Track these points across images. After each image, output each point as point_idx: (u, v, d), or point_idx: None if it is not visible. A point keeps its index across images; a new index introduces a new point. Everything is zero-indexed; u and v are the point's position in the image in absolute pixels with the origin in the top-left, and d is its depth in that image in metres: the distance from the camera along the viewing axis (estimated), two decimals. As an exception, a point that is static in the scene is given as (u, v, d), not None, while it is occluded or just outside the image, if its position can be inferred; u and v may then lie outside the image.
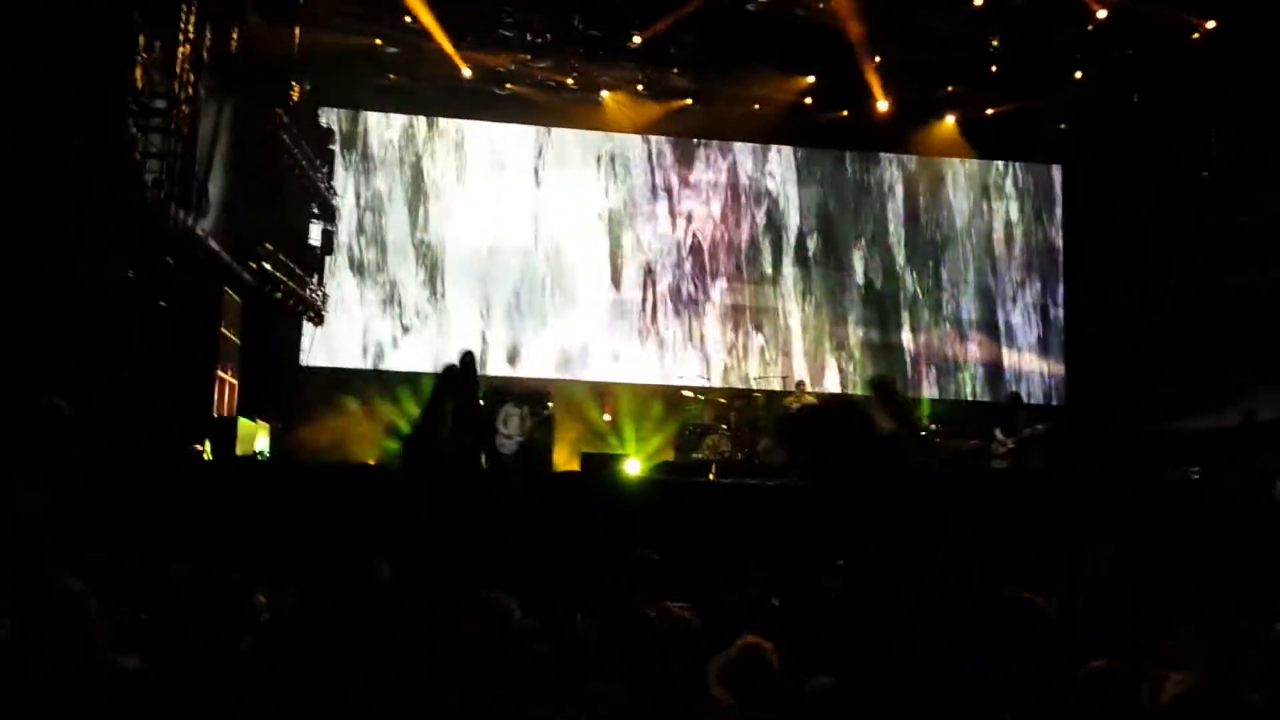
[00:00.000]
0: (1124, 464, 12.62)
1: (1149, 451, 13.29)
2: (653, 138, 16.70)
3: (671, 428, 14.92)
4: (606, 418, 15.40)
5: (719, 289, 16.62)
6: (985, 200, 17.41)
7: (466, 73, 14.79)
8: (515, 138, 16.38)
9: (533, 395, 13.37)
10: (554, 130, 16.45)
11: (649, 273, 16.43)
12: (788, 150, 17.02)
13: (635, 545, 5.81)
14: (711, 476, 12.11)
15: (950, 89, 15.40)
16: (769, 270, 16.79)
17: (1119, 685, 3.16)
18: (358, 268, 15.81)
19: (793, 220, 16.97)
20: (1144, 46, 13.63)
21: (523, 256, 16.14)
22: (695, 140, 16.80)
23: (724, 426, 13.99)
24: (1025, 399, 15.33)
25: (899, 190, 17.25)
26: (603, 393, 15.43)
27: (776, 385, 15.19)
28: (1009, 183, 17.51)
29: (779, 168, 17.00)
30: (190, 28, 10.66)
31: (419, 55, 14.47)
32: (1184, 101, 14.41)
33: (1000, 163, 17.41)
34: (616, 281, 16.38)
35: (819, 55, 14.55)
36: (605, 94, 15.71)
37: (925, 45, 13.99)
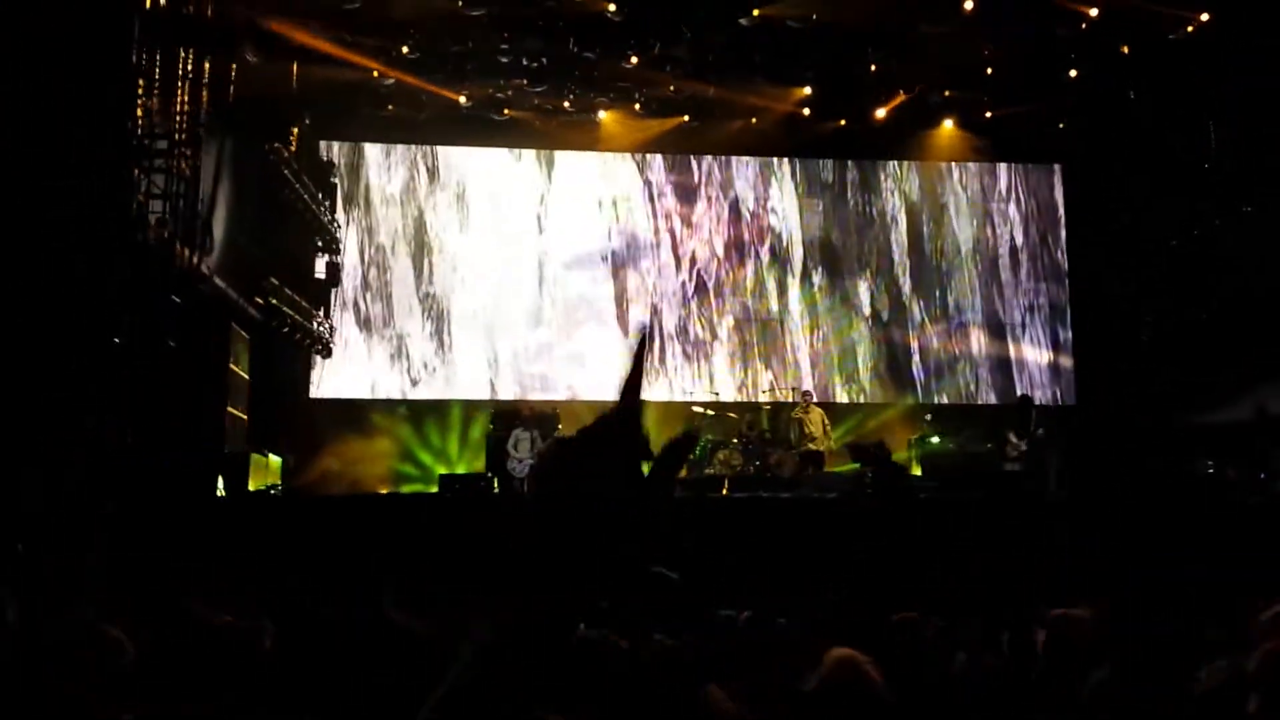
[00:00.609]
0: (1138, 461, 12.56)
1: (1162, 448, 13.24)
2: (654, 178, 16.74)
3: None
4: None
5: (725, 328, 16.62)
6: (986, 206, 17.40)
7: (463, 100, 14.85)
8: (517, 184, 16.40)
9: (542, 418, 13.41)
10: (555, 175, 16.49)
11: (655, 314, 16.39)
12: (789, 184, 17.01)
13: (651, 564, 5.80)
14: (724, 491, 12.11)
15: (946, 94, 15.39)
16: (775, 307, 16.76)
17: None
18: (364, 323, 15.74)
19: (797, 254, 16.93)
20: (1138, 42, 13.61)
21: (528, 304, 16.10)
22: (696, 179, 16.81)
23: (735, 441, 13.98)
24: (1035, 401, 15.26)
25: (901, 220, 17.19)
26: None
27: (785, 398, 15.16)
28: (1008, 186, 17.50)
29: (780, 203, 16.97)
30: (189, 68, 10.75)
31: (416, 86, 14.53)
32: (1181, 95, 14.39)
33: (1002, 165, 17.39)
34: (623, 325, 16.33)
35: (815, 66, 14.57)
36: (603, 114, 15.74)
37: (919, 51, 13.99)
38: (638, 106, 15.48)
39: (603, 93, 15.18)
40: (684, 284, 16.63)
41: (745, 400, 15.86)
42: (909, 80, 14.95)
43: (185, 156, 10.49)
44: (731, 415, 14.55)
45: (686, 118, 15.85)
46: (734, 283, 16.70)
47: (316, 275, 14.60)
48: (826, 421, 13.76)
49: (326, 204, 14.61)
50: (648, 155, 16.79)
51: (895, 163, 17.27)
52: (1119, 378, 15.52)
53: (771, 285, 16.79)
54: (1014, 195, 17.54)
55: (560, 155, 16.59)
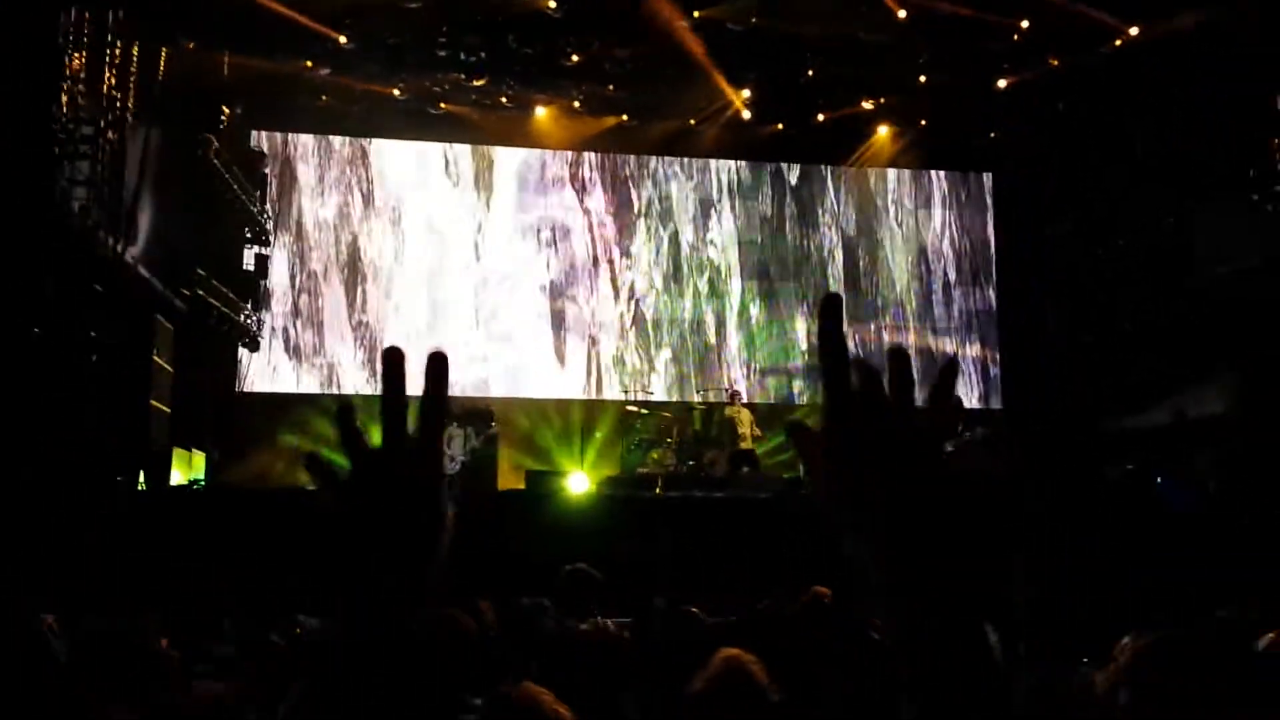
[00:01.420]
0: (1063, 463, 12.83)
1: (1086, 450, 13.53)
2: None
3: (617, 443, 14.93)
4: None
5: (663, 360, 16.65)
6: (918, 212, 17.66)
7: (397, 93, 14.71)
8: (454, 211, 16.17)
9: (476, 414, 13.29)
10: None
11: (593, 344, 16.33)
12: (729, 219, 17.02)
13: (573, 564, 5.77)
14: (658, 490, 12.12)
15: (882, 100, 15.57)
16: (713, 339, 16.82)
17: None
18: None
19: (735, 288, 17.01)
20: (1067, 54, 13.88)
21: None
22: (636, 213, 16.74)
23: (669, 440, 14.01)
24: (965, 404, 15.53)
25: (839, 255, 17.31)
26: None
27: (717, 398, 15.23)
28: (941, 193, 17.78)
29: (719, 236, 16.96)
30: (117, 53, 10.52)
31: (349, 77, 14.36)
32: (1109, 106, 14.72)
33: (934, 172, 17.66)
34: (560, 357, 16.29)
35: (754, 70, 14.66)
36: (540, 111, 15.67)
37: (856, 58, 14.13)
38: (576, 104, 15.44)
39: (541, 89, 15.12)
40: (620, 315, 16.58)
41: (679, 400, 15.90)
42: (845, 87, 15.10)
43: (111, 143, 10.27)
44: (665, 415, 14.56)
45: (625, 117, 15.86)
46: (671, 316, 16.71)
47: (245, 267, 14.34)
48: (753, 421, 13.89)
49: (256, 195, 14.36)
50: (583, 154, 16.77)
51: (829, 166, 17.44)
52: (1044, 382, 15.84)
53: (710, 320, 16.87)
54: (946, 203, 17.81)
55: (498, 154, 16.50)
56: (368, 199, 15.98)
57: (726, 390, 15.25)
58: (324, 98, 14.97)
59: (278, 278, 15.37)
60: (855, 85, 15.09)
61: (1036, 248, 16.59)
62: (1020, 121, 15.78)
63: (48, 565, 6.18)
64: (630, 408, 14.83)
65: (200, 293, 12.21)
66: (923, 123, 16.01)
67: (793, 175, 17.36)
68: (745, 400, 14.45)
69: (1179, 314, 13.45)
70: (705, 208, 17.03)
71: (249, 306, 14.18)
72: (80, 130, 9.81)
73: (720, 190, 17.16)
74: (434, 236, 16.04)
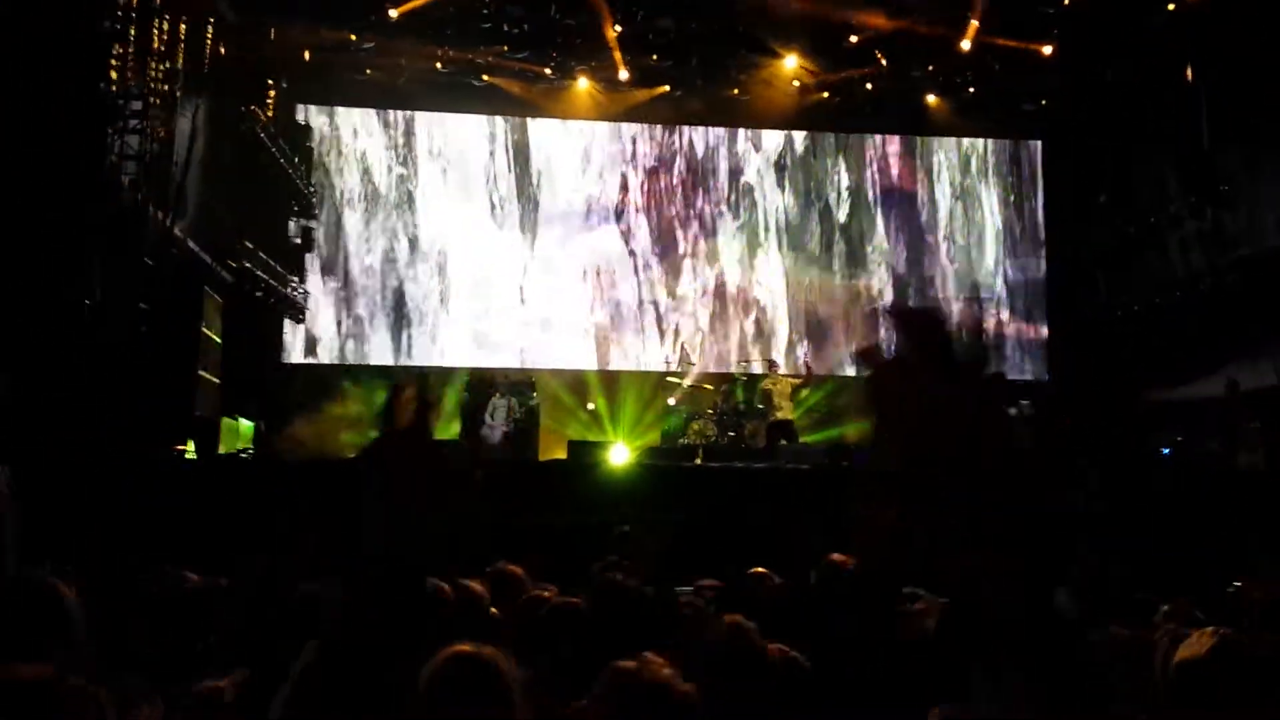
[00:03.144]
0: (1110, 436, 12.68)
1: (1133, 423, 13.36)
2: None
3: (658, 414, 14.99)
4: (590, 406, 15.49)
5: (697, 299, 16.66)
6: (966, 181, 17.45)
7: (439, 66, 14.75)
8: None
9: (518, 385, 13.40)
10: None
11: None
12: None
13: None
14: (698, 461, 12.16)
15: (930, 68, 15.36)
16: (749, 280, 16.81)
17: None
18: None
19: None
20: (1118, 21, 13.60)
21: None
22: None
23: (710, 411, 14.02)
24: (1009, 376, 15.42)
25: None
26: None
27: (758, 369, 15.19)
28: (990, 161, 17.53)
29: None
30: (165, 28, 10.64)
31: (394, 50, 14.43)
32: (1160, 74, 14.42)
33: (983, 140, 17.41)
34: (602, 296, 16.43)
35: (799, 39, 14.51)
36: (583, 82, 15.64)
37: (902, 25, 13.94)
38: (621, 75, 15.40)
39: (583, 61, 15.09)
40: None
41: (720, 372, 15.89)
42: (892, 55, 14.90)
43: (160, 118, 10.41)
44: (707, 387, 14.57)
45: (668, 87, 15.79)
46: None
47: (291, 239, 14.50)
48: (796, 387, 13.83)
49: (302, 168, 14.50)
50: (627, 125, 16.72)
51: (876, 138, 17.26)
52: (1092, 353, 15.64)
53: (746, 259, 16.79)
54: (995, 171, 17.57)
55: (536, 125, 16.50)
56: (414, 242, 16.00)
57: (766, 361, 15.24)
58: (368, 71, 15.07)
59: (324, 322, 15.59)
60: (903, 52, 14.88)
61: (1086, 216, 16.33)
62: (1071, 88, 15.50)
63: (96, 532, 6.33)
64: (671, 379, 14.87)
65: (247, 265, 12.38)
66: (970, 90, 15.76)
67: (841, 212, 17.11)
68: (783, 370, 14.40)
69: (1231, 283, 13.20)
70: (752, 248, 16.83)
71: (295, 278, 14.35)
72: (130, 106, 9.96)
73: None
74: (480, 277, 16.01)
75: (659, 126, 16.82)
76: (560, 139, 16.55)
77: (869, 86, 15.67)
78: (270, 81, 14.00)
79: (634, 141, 16.78)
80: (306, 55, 14.24)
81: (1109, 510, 8.22)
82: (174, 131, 10.93)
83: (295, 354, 15.29)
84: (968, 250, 17.27)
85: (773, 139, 17.07)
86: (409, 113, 16.15)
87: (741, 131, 17.00)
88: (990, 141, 17.47)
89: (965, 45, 14.21)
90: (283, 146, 13.54)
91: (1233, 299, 13.06)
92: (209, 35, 12.06)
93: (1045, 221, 17.38)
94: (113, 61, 9.51)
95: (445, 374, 15.23)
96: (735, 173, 16.95)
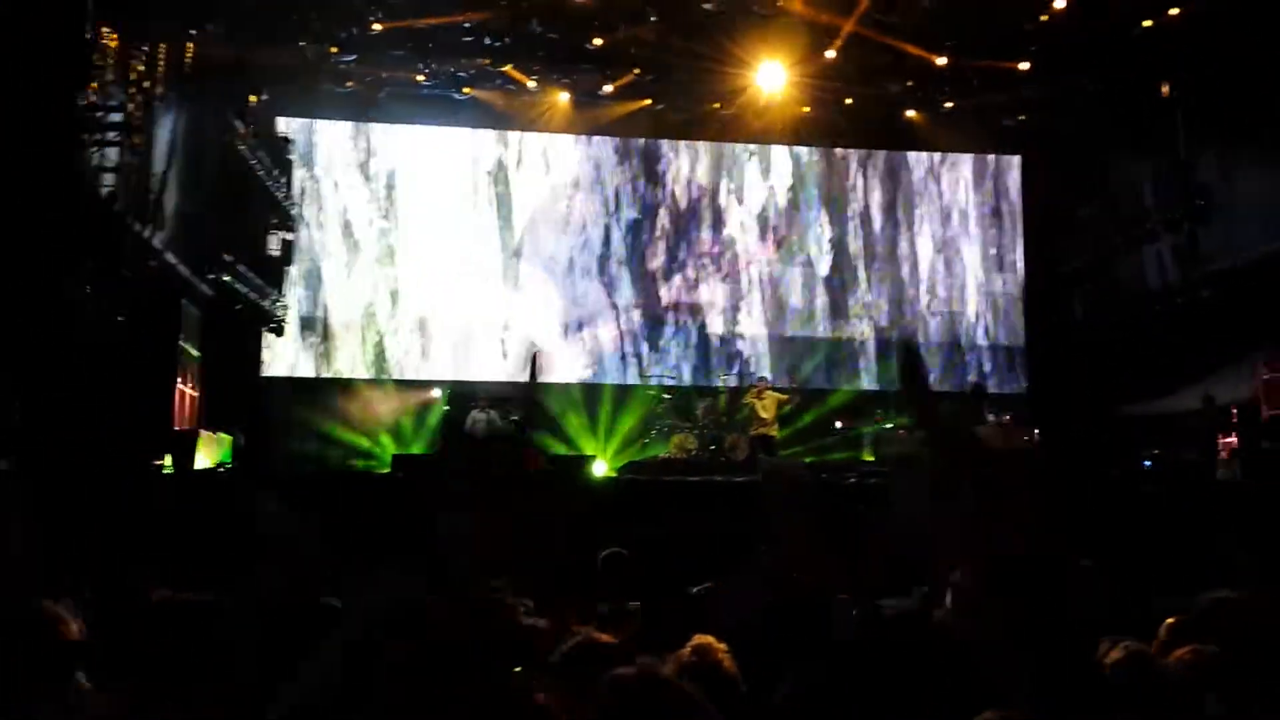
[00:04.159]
0: (1088, 449, 12.76)
1: (1110, 436, 13.44)
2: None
3: (639, 428, 14.99)
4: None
5: (685, 309, 16.70)
6: (945, 196, 17.55)
7: (421, 79, 14.75)
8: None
9: (499, 400, 13.39)
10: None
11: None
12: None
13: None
14: (679, 475, 12.15)
15: (908, 84, 15.44)
16: (731, 291, 16.87)
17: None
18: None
19: (753, 239, 16.99)
20: (1093, 36, 13.69)
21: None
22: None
23: (690, 425, 14.02)
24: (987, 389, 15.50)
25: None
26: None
27: (734, 383, 15.22)
28: (968, 176, 17.63)
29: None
30: (144, 40, 10.60)
31: (375, 64, 14.41)
32: (1139, 90, 14.53)
33: (962, 155, 17.51)
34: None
35: (779, 54, 14.55)
36: (565, 96, 15.65)
37: (882, 40, 14.00)
38: (607, 88, 15.41)
39: (564, 74, 15.10)
40: (638, 307, 16.51)
41: (703, 385, 15.89)
42: (870, 69, 14.97)
43: (138, 129, 10.36)
44: (688, 400, 14.60)
45: (649, 101, 15.82)
46: (692, 308, 16.63)
47: (270, 252, 14.43)
48: (780, 403, 13.81)
49: (283, 180, 14.44)
50: (610, 139, 16.75)
51: (854, 152, 17.35)
52: (1070, 366, 15.73)
53: (729, 312, 16.77)
54: (973, 185, 17.67)
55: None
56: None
57: (754, 375, 15.26)
58: (349, 84, 15.04)
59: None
60: (882, 68, 14.95)
61: (1064, 230, 16.44)
62: (1048, 103, 15.61)
63: (74, 548, 6.27)
64: (652, 392, 14.88)
65: (226, 278, 12.32)
66: (948, 105, 15.85)
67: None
68: (770, 384, 14.39)
69: (1207, 296, 13.30)
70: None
71: (275, 291, 14.29)
72: (108, 116, 9.91)
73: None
74: (460, 338, 15.86)
75: (642, 180, 16.81)
76: (544, 192, 16.49)
77: (848, 101, 15.75)
78: (250, 94, 13.95)
79: (617, 194, 16.72)
80: (287, 68, 14.19)
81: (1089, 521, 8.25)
82: (152, 143, 10.88)
83: (275, 367, 15.20)
84: (949, 303, 17.30)
85: (756, 193, 17.08)
86: (390, 167, 16.04)
87: (724, 184, 17.01)
88: (974, 194, 17.55)
89: (942, 61, 14.31)
90: (262, 159, 13.48)
91: (1209, 312, 13.16)
92: (189, 47, 12.01)
93: (1024, 235, 17.47)
94: (91, 73, 9.46)
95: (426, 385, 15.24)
96: (717, 225, 16.92)
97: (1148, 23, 13.05)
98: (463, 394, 13.91)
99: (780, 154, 17.22)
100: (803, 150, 17.25)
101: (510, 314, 16.07)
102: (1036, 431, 13.02)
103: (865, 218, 17.34)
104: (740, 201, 17.07)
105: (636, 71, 15.04)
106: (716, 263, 16.83)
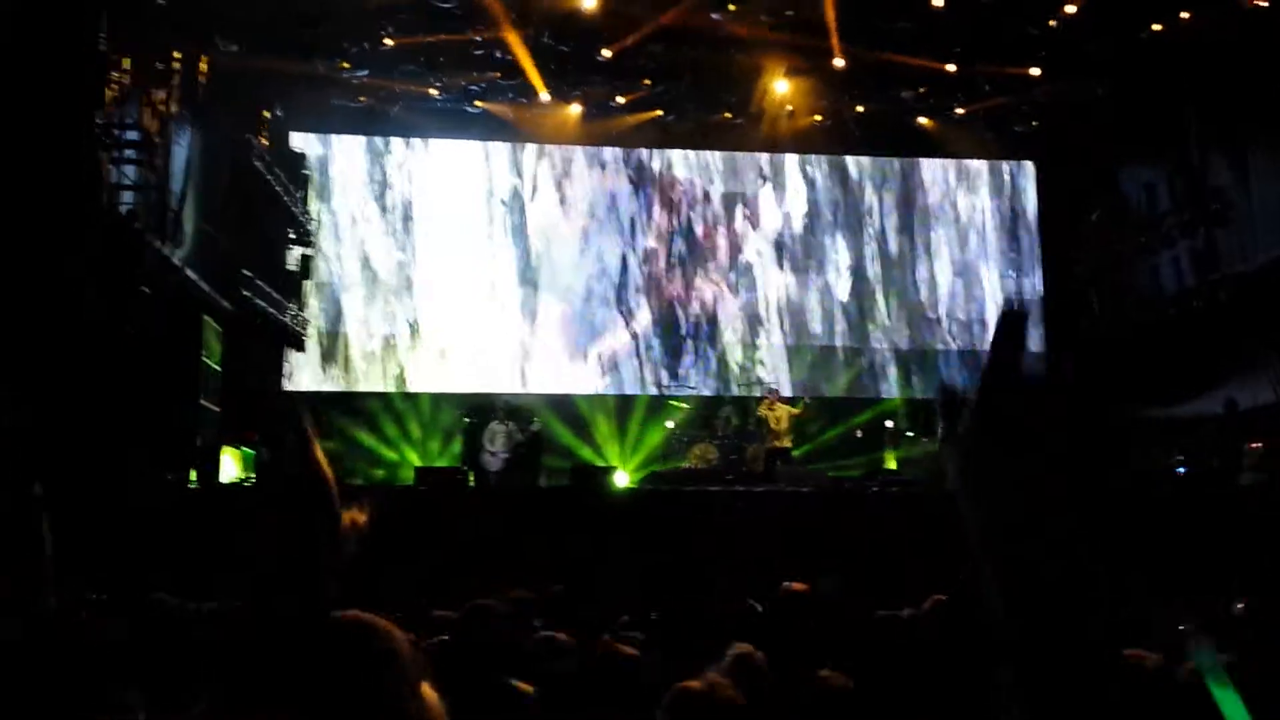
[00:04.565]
0: (1111, 453, 12.68)
1: (1134, 440, 13.38)
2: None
3: (659, 438, 14.99)
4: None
5: (701, 321, 16.66)
6: (961, 201, 17.53)
7: (434, 93, 14.82)
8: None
9: (518, 411, 13.39)
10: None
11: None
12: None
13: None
14: (699, 485, 12.15)
15: (921, 90, 15.44)
16: (748, 302, 16.85)
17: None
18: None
19: (769, 249, 16.94)
20: (1107, 41, 13.68)
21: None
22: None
23: (710, 436, 14.02)
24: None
25: (875, 215, 17.15)
26: None
27: (758, 393, 15.18)
28: (983, 182, 17.62)
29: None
30: (161, 59, 10.68)
31: (387, 77, 14.49)
32: (1152, 94, 14.51)
33: (976, 162, 17.50)
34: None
35: (788, 63, 14.58)
36: (576, 108, 15.70)
37: (891, 48, 14.01)
38: (619, 100, 15.45)
39: (576, 86, 15.16)
40: (657, 335, 16.47)
41: (722, 395, 15.88)
42: (882, 77, 14.99)
43: (156, 147, 10.43)
44: (709, 410, 14.61)
45: (660, 112, 15.85)
46: (710, 335, 16.57)
47: (288, 267, 14.50)
48: (793, 416, 13.80)
49: (299, 195, 14.51)
50: (624, 166, 16.79)
51: (869, 159, 17.34)
52: (1088, 371, 15.66)
53: (748, 337, 16.70)
54: (989, 191, 17.66)
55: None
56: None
57: (766, 387, 15.25)
58: (361, 99, 15.11)
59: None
60: (893, 75, 14.97)
61: (1080, 235, 16.40)
62: (1061, 109, 15.60)
63: (98, 562, 6.30)
64: (673, 402, 14.88)
65: (246, 293, 12.38)
66: (960, 111, 15.84)
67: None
68: (780, 395, 14.37)
69: (1224, 300, 13.25)
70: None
71: (294, 306, 14.34)
72: (126, 134, 9.98)
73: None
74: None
75: (657, 208, 16.80)
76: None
77: (860, 109, 15.76)
78: (265, 110, 14.04)
79: (633, 222, 16.71)
80: (300, 83, 14.27)
81: (1110, 527, 8.19)
82: (170, 160, 10.95)
83: (296, 381, 15.26)
84: (969, 327, 17.25)
85: (772, 218, 17.04)
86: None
87: (739, 209, 16.97)
88: (990, 203, 17.51)
89: (952, 67, 14.33)
90: (279, 175, 13.55)
91: (1227, 316, 13.11)
92: (204, 65, 12.09)
93: (1040, 241, 17.44)
94: (109, 92, 9.54)
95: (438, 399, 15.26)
96: (735, 251, 16.88)
97: (1158, 26, 13.07)
98: (480, 406, 13.92)
99: (795, 177, 17.19)
100: (817, 174, 17.21)
101: (530, 342, 16.04)
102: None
103: (882, 240, 17.28)
104: (755, 227, 17.02)
105: (647, 83, 15.09)
106: (734, 289, 16.79)
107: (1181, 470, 11.59)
